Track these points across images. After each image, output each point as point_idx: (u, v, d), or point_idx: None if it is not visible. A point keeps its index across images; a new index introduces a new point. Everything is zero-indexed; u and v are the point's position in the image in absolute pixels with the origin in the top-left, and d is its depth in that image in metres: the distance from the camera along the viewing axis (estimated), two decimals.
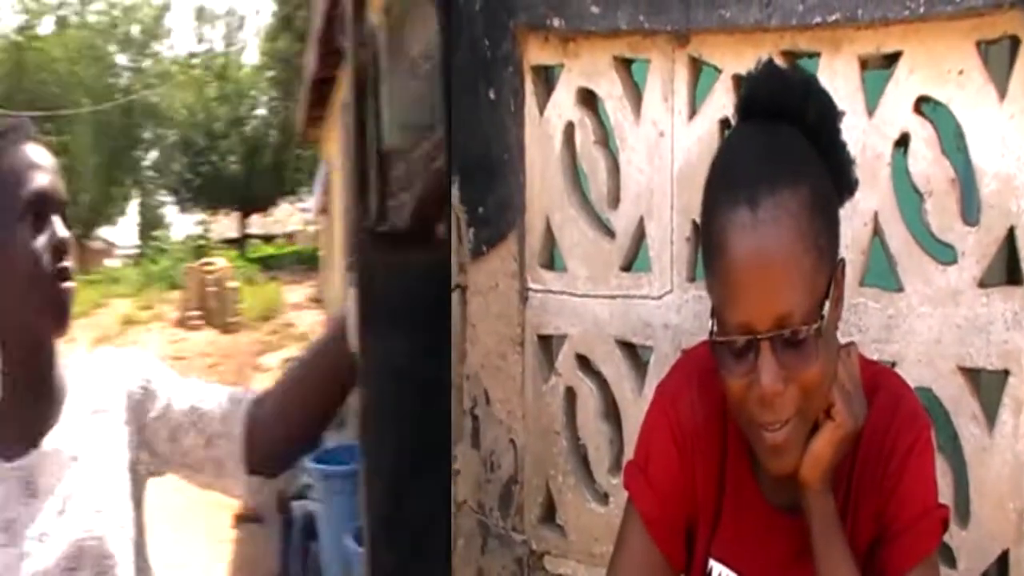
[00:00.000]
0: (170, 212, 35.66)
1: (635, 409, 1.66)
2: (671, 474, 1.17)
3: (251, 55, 35.07)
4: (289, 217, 35.21)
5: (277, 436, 1.42)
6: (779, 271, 0.98)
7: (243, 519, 6.54)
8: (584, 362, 1.77)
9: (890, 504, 1.08)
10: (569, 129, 1.76)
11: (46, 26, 32.54)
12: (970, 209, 1.42)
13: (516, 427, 1.85)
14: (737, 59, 1.54)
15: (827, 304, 1.02)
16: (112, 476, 1.37)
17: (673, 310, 1.65)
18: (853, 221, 1.46)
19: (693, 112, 1.61)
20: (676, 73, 1.62)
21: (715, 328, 1.04)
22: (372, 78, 1.36)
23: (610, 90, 1.70)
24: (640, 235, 1.69)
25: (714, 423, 1.16)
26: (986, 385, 1.44)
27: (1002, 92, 1.37)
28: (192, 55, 34.60)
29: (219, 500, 5.31)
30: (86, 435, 1.36)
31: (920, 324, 1.44)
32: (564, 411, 1.80)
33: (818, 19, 1.45)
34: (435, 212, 1.31)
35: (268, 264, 25.52)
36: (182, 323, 16.97)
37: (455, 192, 1.94)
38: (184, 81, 31.80)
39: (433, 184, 1.24)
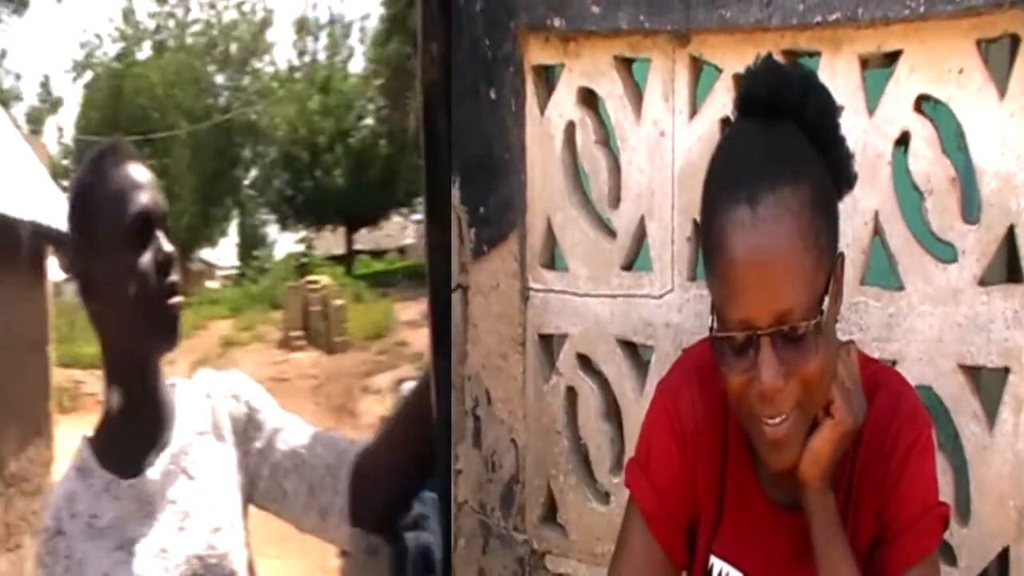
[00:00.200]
0: (272, 231, 34.90)
1: (636, 408, 1.66)
2: (672, 472, 1.17)
3: (357, 64, 33.71)
4: (401, 231, 33.91)
5: (383, 491, 1.41)
6: (779, 269, 0.98)
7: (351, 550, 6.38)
8: (585, 362, 1.77)
9: (891, 503, 1.08)
10: (570, 129, 1.76)
11: (144, 52, 32.55)
12: (970, 208, 1.42)
13: (517, 427, 1.85)
14: (738, 59, 1.54)
15: (826, 300, 1.03)
16: (226, 496, 1.38)
17: (674, 309, 1.65)
18: (854, 220, 1.47)
19: (694, 112, 1.62)
20: (677, 73, 1.62)
21: (715, 324, 1.04)
22: (443, 96, 1.34)
23: (611, 90, 1.71)
24: (641, 235, 1.69)
25: (714, 421, 1.16)
26: (987, 383, 1.45)
27: (1002, 91, 1.37)
28: (293, 69, 33.64)
29: None
30: (198, 455, 1.37)
31: (921, 323, 1.44)
32: (565, 411, 1.80)
33: (818, 18, 1.45)
34: None
35: (378, 280, 24.01)
36: (284, 344, 16.45)
37: (456, 192, 1.94)
38: (284, 97, 31.01)
39: None
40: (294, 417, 1.47)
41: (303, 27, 33.83)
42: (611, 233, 1.73)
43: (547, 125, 1.78)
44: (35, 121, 32.96)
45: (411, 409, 1.45)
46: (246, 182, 33.19)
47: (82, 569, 1.31)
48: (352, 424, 11.25)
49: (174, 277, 1.34)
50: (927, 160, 1.43)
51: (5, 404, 5.49)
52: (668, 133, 1.64)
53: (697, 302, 1.61)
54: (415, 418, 1.44)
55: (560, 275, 1.79)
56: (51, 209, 6.46)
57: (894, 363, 1.44)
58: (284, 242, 34.81)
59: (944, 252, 1.43)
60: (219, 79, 33.29)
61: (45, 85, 35.87)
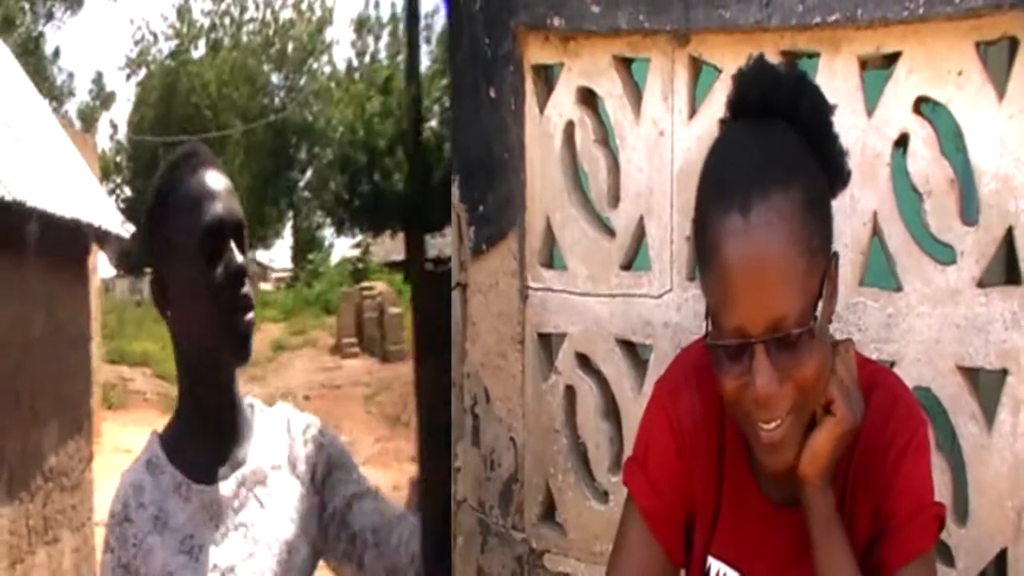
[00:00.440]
0: (328, 234, 33.70)
1: (635, 407, 1.66)
2: (670, 470, 1.18)
3: (420, 64, 33.13)
4: None
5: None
6: (772, 276, 0.98)
7: None
8: (584, 360, 1.77)
9: (886, 501, 1.09)
10: (569, 128, 1.76)
11: (199, 50, 32.15)
12: (969, 209, 1.43)
13: (516, 425, 1.85)
14: (737, 59, 1.54)
15: (821, 301, 1.03)
16: (297, 535, 1.36)
17: (673, 309, 1.66)
18: (852, 221, 1.47)
19: (693, 112, 1.62)
20: (676, 73, 1.62)
21: (710, 330, 1.04)
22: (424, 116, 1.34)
23: (610, 89, 1.71)
24: (640, 234, 1.70)
25: (712, 420, 1.16)
26: (985, 384, 1.45)
27: (1001, 93, 1.37)
28: (351, 69, 32.54)
29: None
30: (272, 487, 1.36)
31: (919, 323, 1.44)
32: (564, 409, 1.80)
33: (818, 19, 1.45)
34: None
35: None
36: (337, 350, 16.11)
37: (456, 191, 1.94)
38: (342, 98, 30.15)
39: None
40: (371, 484, 1.45)
41: (363, 25, 33.04)
42: (610, 232, 1.74)
43: (546, 124, 1.78)
44: (87, 118, 32.75)
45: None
46: (301, 184, 32.50)
47: (148, 559, 1.31)
48: (405, 435, 11.10)
49: (246, 290, 1.30)
50: (926, 161, 1.43)
51: (47, 399, 5.53)
52: (667, 133, 1.64)
53: (696, 301, 1.61)
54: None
55: (559, 274, 1.80)
56: (96, 207, 6.50)
57: (892, 364, 1.44)
58: (340, 247, 33.89)
59: (943, 253, 1.44)
60: (275, 79, 32.79)
61: (98, 82, 35.71)
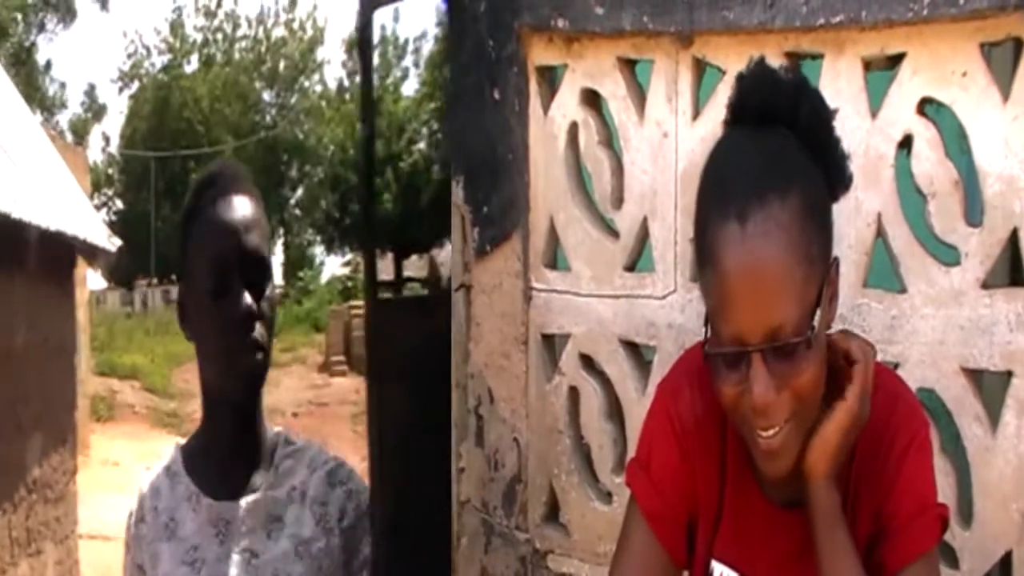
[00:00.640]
0: (317, 252, 33.91)
1: (638, 408, 1.66)
2: (673, 471, 1.18)
3: (410, 86, 32.08)
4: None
5: None
6: (770, 285, 0.98)
7: None
8: (588, 361, 1.77)
9: (887, 502, 1.08)
10: (573, 129, 1.76)
11: (191, 65, 32.38)
12: (973, 210, 1.42)
13: (520, 426, 1.85)
14: (741, 60, 1.54)
15: (819, 309, 1.02)
16: (304, 571, 1.32)
17: (677, 310, 1.66)
18: (856, 222, 1.47)
19: (697, 113, 1.62)
20: (680, 74, 1.62)
21: (709, 337, 1.04)
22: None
23: (614, 90, 1.71)
24: (644, 235, 1.70)
25: (714, 421, 1.16)
26: (989, 386, 1.45)
27: (1005, 94, 1.37)
28: (342, 89, 32.45)
29: None
30: (285, 519, 1.33)
31: (923, 325, 1.44)
32: (568, 410, 1.80)
33: (822, 20, 1.45)
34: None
35: None
36: (325, 368, 16.06)
37: (459, 191, 1.95)
38: (333, 116, 30.16)
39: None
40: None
41: (354, 46, 31.81)
42: (614, 233, 1.74)
43: (550, 125, 1.78)
44: (79, 130, 32.89)
45: None
46: (292, 201, 32.68)
47: (154, 564, 1.33)
48: None
49: (256, 333, 1.26)
50: (930, 162, 1.43)
51: (30, 411, 5.52)
52: (671, 134, 1.64)
53: (699, 303, 1.60)
54: None
55: (563, 275, 1.80)
56: (83, 220, 6.49)
57: (896, 366, 1.44)
58: (330, 265, 34.02)
59: (947, 255, 1.43)
60: (266, 96, 32.99)
61: (90, 94, 35.85)
